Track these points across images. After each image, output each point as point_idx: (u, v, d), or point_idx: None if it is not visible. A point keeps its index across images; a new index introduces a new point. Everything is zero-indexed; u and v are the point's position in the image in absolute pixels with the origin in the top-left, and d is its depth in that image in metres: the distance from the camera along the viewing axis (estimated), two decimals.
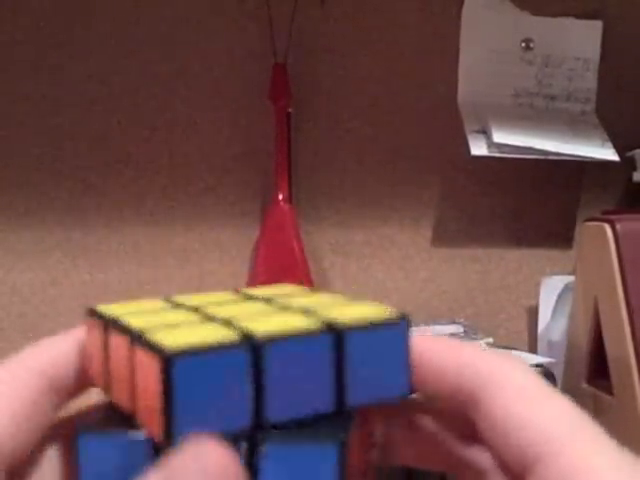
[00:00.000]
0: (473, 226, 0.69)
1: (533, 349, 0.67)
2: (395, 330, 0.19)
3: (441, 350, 0.21)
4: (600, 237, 0.51)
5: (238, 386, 0.18)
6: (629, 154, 0.65)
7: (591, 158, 0.63)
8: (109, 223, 0.63)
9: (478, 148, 0.63)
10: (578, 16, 0.67)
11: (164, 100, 0.63)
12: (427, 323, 0.63)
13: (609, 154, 0.64)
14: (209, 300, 0.22)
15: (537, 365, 0.53)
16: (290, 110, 0.62)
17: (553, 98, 0.67)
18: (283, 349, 0.18)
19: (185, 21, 0.63)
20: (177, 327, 0.19)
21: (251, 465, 0.18)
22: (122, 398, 0.19)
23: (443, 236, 0.68)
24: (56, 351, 0.20)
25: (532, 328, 0.69)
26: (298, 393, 0.18)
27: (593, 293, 0.53)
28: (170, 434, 0.17)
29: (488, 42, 0.66)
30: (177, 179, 0.64)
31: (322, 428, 0.18)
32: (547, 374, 0.52)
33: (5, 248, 0.62)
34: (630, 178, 0.66)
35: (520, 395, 0.19)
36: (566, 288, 0.63)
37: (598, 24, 0.67)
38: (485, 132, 0.63)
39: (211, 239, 0.65)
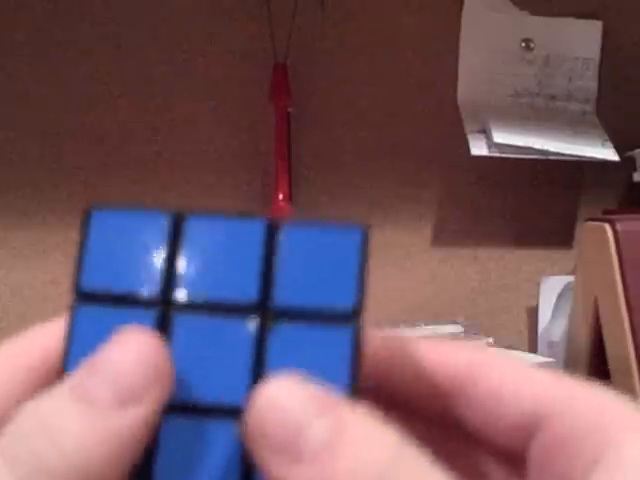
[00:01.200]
0: (473, 226, 0.69)
1: (533, 349, 0.67)
2: (346, 236, 0.18)
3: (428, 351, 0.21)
4: (600, 237, 0.51)
5: (154, 251, 0.18)
6: (629, 154, 0.65)
7: (591, 158, 0.63)
8: None
9: (478, 148, 0.63)
10: (578, 16, 0.67)
11: (164, 100, 0.63)
12: (427, 323, 0.63)
13: (609, 154, 0.64)
14: None
15: (537, 365, 0.53)
16: (290, 110, 0.62)
17: (553, 98, 0.67)
18: (206, 225, 0.18)
19: (185, 21, 0.63)
20: None
21: (260, 345, 0.18)
22: None
23: (443, 236, 0.68)
24: (44, 342, 0.20)
25: (532, 328, 0.69)
26: (218, 273, 0.18)
27: (593, 293, 0.53)
28: (78, 286, 0.18)
29: (488, 42, 0.66)
30: (177, 179, 0.64)
31: (336, 316, 0.18)
32: None
33: (5, 248, 0.62)
34: (630, 178, 0.66)
35: (513, 369, 0.19)
36: (566, 288, 0.63)
37: (598, 24, 0.67)
38: (485, 132, 0.63)
39: None
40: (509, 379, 0.19)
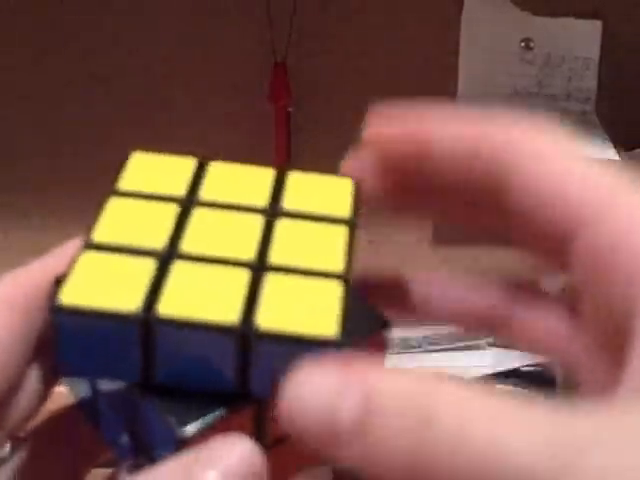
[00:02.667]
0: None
1: None
2: (320, 348, 0.17)
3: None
4: None
5: (126, 351, 0.17)
6: (629, 154, 0.65)
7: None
8: None
9: None
10: (578, 16, 0.67)
11: (164, 100, 0.63)
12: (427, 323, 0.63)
13: (609, 154, 0.64)
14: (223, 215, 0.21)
15: (537, 365, 0.53)
16: (290, 110, 0.62)
17: (553, 98, 0.67)
18: (178, 333, 0.17)
19: (185, 21, 0.63)
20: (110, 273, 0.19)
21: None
22: None
23: (443, 236, 0.68)
24: (30, 281, 0.21)
25: None
26: (193, 372, 0.17)
27: None
28: (60, 373, 0.20)
29: (488, 42, 0.66)
30: None
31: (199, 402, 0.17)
32: (547, 374, 0.52)
33: (5, 248, 0.62)
34: None
35: (557, 160, 0.18)
36: None
37: (598, 24, 0.67)
38: None
39: None
40: (548, 176, 0.18)
